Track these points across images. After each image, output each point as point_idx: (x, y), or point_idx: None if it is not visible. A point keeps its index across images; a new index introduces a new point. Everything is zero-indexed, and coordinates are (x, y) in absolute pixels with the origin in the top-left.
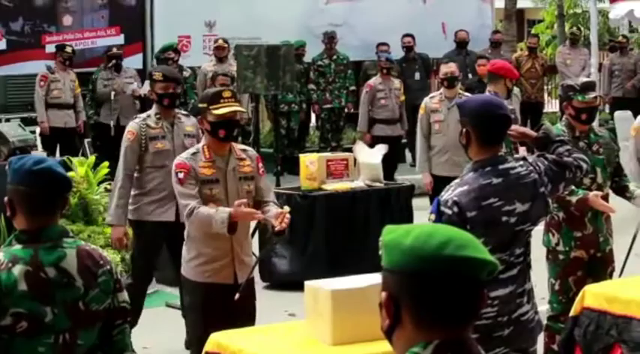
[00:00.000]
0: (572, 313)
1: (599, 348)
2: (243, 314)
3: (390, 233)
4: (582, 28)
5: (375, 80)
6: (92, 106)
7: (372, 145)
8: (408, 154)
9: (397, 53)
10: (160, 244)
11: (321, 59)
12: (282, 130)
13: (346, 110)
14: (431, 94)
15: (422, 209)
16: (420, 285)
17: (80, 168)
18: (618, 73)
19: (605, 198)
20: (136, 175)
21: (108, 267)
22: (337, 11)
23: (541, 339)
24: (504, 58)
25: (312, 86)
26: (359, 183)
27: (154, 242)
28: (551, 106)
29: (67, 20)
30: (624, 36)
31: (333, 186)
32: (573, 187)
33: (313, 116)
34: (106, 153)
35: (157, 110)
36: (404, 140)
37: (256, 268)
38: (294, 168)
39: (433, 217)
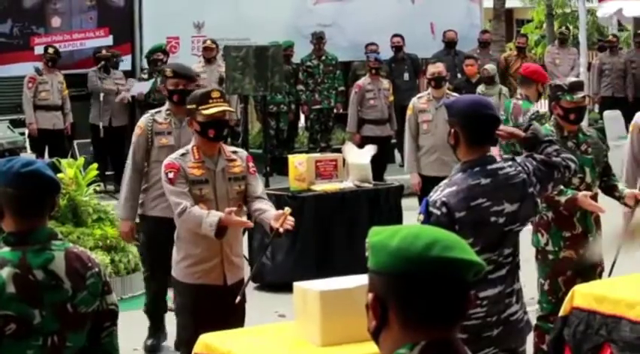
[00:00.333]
0: (561, 313)
1: (589, 348)
2: (233, 315)
3: (377, 235)
4: (571, 28)
5: (363, 81)
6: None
7: (361, 146)
8: (397, 155)
9: (386, 53)
10: (162, 239)
11: (310, 60)
12: (271, 131)
13: (335, 111)
14: (419, 95)
15: (411, 209)
16: (406, 286)
17: (69, 169)
18: (608, 72)
19: (594, 198)
20: (145, 169)
21: (96, 269)
22: (326, 12)
23: (530, 339)
24: (493, 57)
25: (300, 87)
26: (348, 184)
27: (156, 237)
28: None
29: (56, 22)
30: (614, 35)
31: (322, 187)
32: (562, 187)
33: (302, 117)
34: (96, 154)
35: (169, 106)
36: (393, 140)
37: (247, 269)
38: (283, 169)
39: (422, 217)
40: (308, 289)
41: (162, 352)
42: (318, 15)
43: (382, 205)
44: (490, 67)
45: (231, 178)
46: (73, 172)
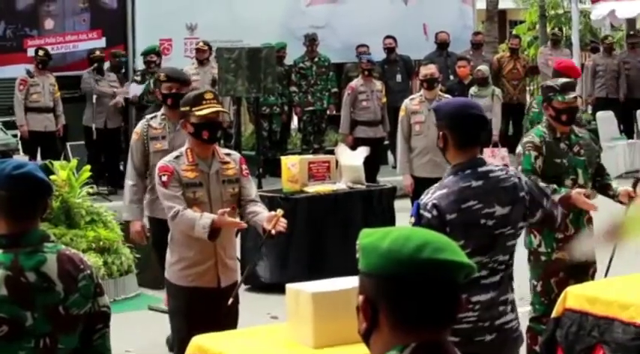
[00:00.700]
0: (554, 314)
1: (581, 349)
2: (226, 318)
3: (367, 237)
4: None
5: (356, 82)
6: None
7: (354, 147)
8: (390, 156)
9: (379, 55)
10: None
11: (303, 61)
12: (264, 133)
13: (328, 112)
14: (411, 96)
15: (404, 211)
16: (396, 288)
17: (62, 171)
18: (602, 73)
19: (588, 197)
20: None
21: (88, 271)
22: (318, 13)
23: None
24: (486, 59)
25: (293, 88)
26: (341, 185)
27: (162, 238)
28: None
29: (49, 24)
30: (610, 36)
31: (314, 188)
32: (555, 186)
33: (295, 118)
34: (89, 156)
35: (164, 110)
36: (386, 142)
37: (239, 271)
38: (275, 170)
39: (413, 220)
40: (300, 290)
41: (157, 351)
42: (311, 17)
43: (375, 206)
44: (484, 68)
45: (225, 180)
46: (66, 174)
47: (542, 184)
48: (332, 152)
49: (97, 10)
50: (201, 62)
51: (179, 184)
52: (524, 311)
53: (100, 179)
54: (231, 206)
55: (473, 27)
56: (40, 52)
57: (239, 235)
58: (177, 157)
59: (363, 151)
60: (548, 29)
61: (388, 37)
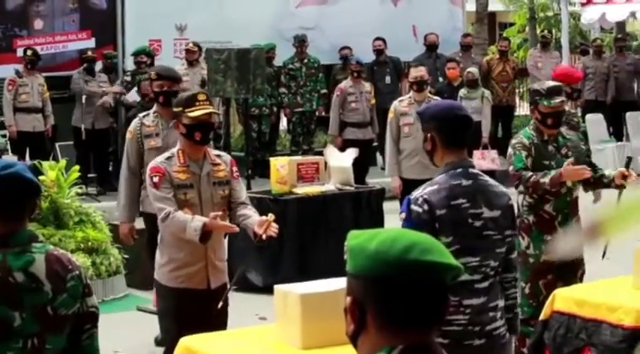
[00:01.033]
0: (542, 316)
1: (569, 351)
2: (216, 319)
3: (355, 238)
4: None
5: (345, 84)
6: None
7: (343, 149)
8: (379, 158)
9: (368, 56)
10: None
11: (292, 63)
12: (253, 134)
13: (317, 114)
14: (400, 98)
15: (393, 212)
16: (384, 290)
17: (51, 172)
18: (592, 76)
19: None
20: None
21: (77, 272)
22: (308, 15)
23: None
24: (475, 61)
25: (283, 90)
26: (330, 186)
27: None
28: (523, 109)
29: (39, 24)
30: (600, 39)
31: (303, 189)
32: (546, 171)
33: (284, 119)
34: (78, 157)
35: (156, 108)
36: (375, 143)
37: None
38: (264, 171)
39: (404, 215)
40: (289, 291)
41: (145, 352)
42: (300, 18)
43: (364, 208)
44: (474, 70)
45: (216, 182)
46: (55, 174)
47: (533, 177)
48: (321, 153)
49: (86, 10)
50: (191, 63)
51: (170, 186)
52: None
53: (89, 180)
54: (221, 209)
55: (462, 29)
56: (29, 52)
57: (227, 238)
58: (168, 158)
59: (351, 153)
60: (538, 31)
61: (377, 38)
